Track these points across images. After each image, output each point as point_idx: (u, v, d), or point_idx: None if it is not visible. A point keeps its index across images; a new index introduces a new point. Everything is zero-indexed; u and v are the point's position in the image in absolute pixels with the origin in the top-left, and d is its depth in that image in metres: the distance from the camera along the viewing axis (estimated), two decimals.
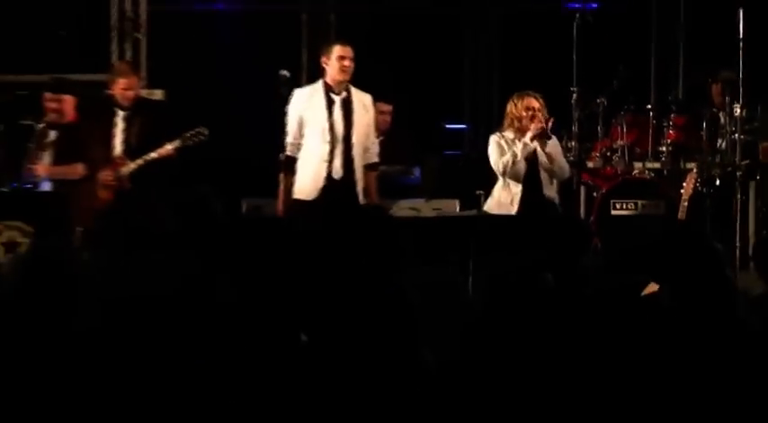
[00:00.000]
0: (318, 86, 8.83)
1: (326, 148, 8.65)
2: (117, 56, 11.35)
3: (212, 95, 9.74)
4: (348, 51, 8.81)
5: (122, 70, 9.66)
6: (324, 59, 8.82)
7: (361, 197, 8.70)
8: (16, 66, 10.83)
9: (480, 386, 3.79)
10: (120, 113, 9.27)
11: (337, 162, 8.66)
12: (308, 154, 8.74)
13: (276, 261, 5.87)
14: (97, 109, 9.63)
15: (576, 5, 10.22)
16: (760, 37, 9.32)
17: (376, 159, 8.97)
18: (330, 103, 8.72)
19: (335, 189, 8.61)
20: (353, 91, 8.90)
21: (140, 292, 4.43)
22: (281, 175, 8.86)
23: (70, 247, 7.84)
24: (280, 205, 8.82)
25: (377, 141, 9.08)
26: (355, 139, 8.75)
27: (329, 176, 8.64)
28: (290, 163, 8.81)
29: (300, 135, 8.78)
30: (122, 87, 9.33)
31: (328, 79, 8.80)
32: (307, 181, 8.72)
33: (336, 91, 8.77)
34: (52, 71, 10.42)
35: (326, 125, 8.69)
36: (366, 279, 4.75)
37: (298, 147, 8.78)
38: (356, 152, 8.75)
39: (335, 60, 8.73)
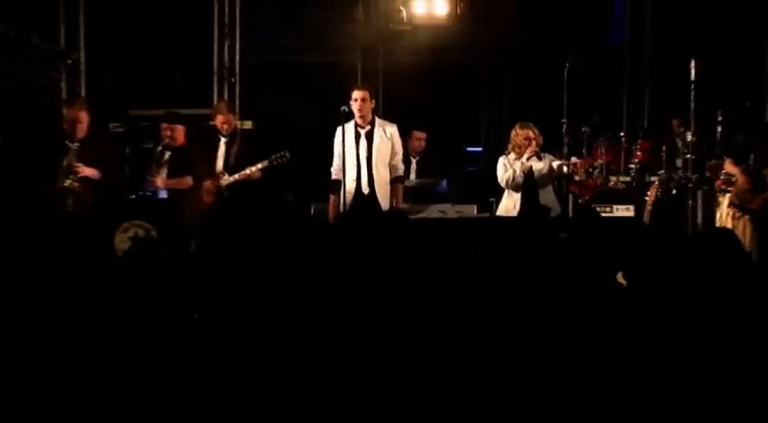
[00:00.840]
0: (351, 123, 8.80)
1: (354, 171, 8.69)
2: (217, 95, 11.41)
3: (290, 125, 9.74)
4: (358, 94, 8.78)
5: (222, 107, 9.77)
6: (350, 102, 8.77)
7: (385, 205, 8.67)
8: (141, 103, 10.86)
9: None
10: (222, 139, 9.37)
11: (363, 181, 8.71)
12: (345, 175, 8.73)
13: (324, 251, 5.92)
14: (203, 135, 9.72)
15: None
16: (707, 81, 9.28)
17: (400, 174, 8.97)
18: (357, 137, 8.76)
19: (361, 202, 8.61)
20: (378, 122, 8.88)
21: (230, 273, 4.52)
22: (330, 194, 8.90)
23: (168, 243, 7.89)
24: (330, 216, 8.83)
25: (401, 159, 8.99)
26: (377, 164, 8.76)
27: (357, 192, 8.70)
28: (335, 184, 8.82)
29: (340, 162, 8.76)
30: (222, 120, 9.44)
31: (356, 114, 8.78)
32: (345, 197, 8.72)
33: (362, 125, 8.79)
34: (168, 106, 10.42)
35: (354, 154, 8.72)
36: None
37: (340, 170, 8.76)
38: (378, 172, 8.77)
39: (352, 102, 8.72)
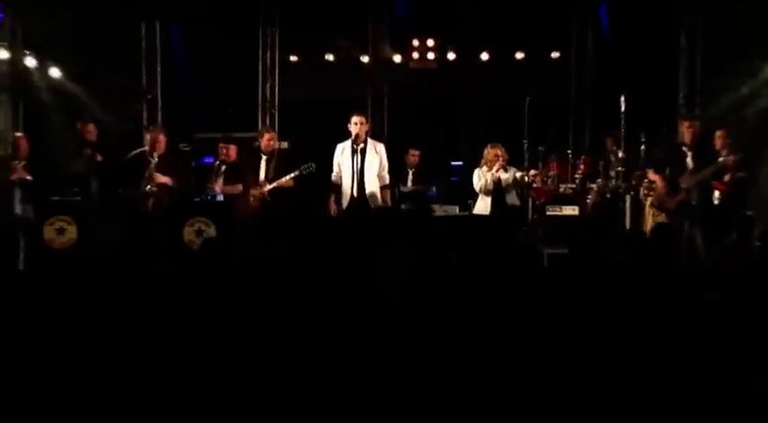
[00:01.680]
0: (348, 141, 8.75)
1: (349, 180, 8.65)
2: (261, 122, 11.42)
3: (316, 143, 9.72)
4: (357, 119, 8.71)
5: (265, 131, 9.73)
6: (349, 124, 8.74)
7: (372, 205, 8.63)
8: (203, 128, 10.88)
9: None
10: (263, 156, 9.35)
11: (356, 188, 8.64)
12: (342, 182, 8.72)
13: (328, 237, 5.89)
14: (250, 153, 9.68)
15: None
16: (633, 111, 9.29)
17: (387, 182, 8.88)
18: (353, 152, 8.67)
19: (355, 201, 8.61)
20: (370, 142, 8.82)
21: (265, 258, 4.52)
22: (330, 192, 8.90)
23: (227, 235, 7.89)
24: (330, 210, 8.84)
25: (387, 171, 8.89)
26: (367, 174, 8.69)
27: (352, 195, 8.63)
28: (335, 185, 8.83)
29: (340, 172, 8.77)
30: (265, 142, 9.43)
31: (353, 134, 8.74)
32: (341, 197, 8.74)
33: (357, 143, 8.70)
34: (223, 131, 10.51)
35: (350, 165, 8.68)
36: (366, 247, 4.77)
37: (338, 176, 8.76)
38: (368, 181, 8.70)
39: (352, 124, 8.68)
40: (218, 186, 9.68)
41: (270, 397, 3.05)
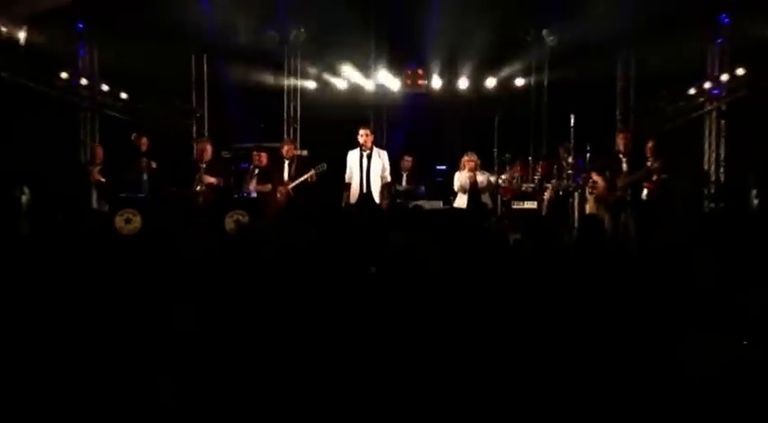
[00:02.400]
0: (357, 149, 8.77)
1: (358, 178, 8.68)
2: (285, 135, 11.33)
3: (329, 149, 9.71)
4: (363, 131, 8.79)
5: (288, 142, 9.74)
6: (357, 135, 8.78)
7: (377, 200, 8.68)
8: (240, 139, 10.84)
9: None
10: (286, 161, 9.37)
11: (364, 185, 8.67)
12: (353, 181, 8.75)
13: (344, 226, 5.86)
14: (277, 159, 9.63)
15: None
16: (580, 126, 9.30)
17: (388, 181, 8.93)
18: (361, 157, 8.70)
19: (364, 197, 8.62)
20: (375, 150, 8.85)
21: (292, 243, 4.48)
22: (344, 190, 8.90)
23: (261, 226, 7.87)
24: (344, 203, 8.81)
25: (388, 173, 8.93)
26: (373, 174, 8.72)
27: (361, 191, 8.65)
28: (347, 185, 8.85)
29: (351, 172, 8.80)
30: (287, 150, 9.43)
31: (361, 143, 8.78)
32: (353, 193, 8.74)
33: (364, 150, 8.73)
34: (256, 141, 10.50)
35: (359, 168, 8.70)
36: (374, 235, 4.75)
37: (350, 176, 8.79)
38: (374, 180, 8.73)
39: (360, 135, 8.73)
40: (252, 186, 9.65)
41: (302, 358, 2.88)
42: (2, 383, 2.70)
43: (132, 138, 9.64)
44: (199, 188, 9.18)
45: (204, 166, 9.27)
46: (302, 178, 9.17)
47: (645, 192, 8.64)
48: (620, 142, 8.76)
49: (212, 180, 9.26)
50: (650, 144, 8.75)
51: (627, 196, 8.53)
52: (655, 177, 8.52)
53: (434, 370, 2.78)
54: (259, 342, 2.99)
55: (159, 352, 2.88)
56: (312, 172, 9.14)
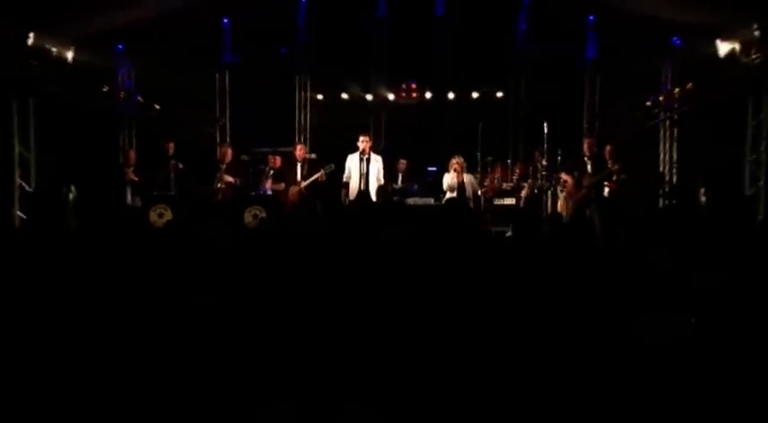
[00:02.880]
0: (357, 153, 8.80)
1: (357, 179, 8.69)
2: (297, 140, 11.29)
3: (335, 152, 9.68)
4: (363, 138, 8.83)
5: (299, 147, 9.73)
6: (358, 141, 8.80)
7: (373, 199, 8.61)
8: (257, 144, 10.78)
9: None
10: (298, 163, 9.36)
11: (362, 185, 8.67)
12: (352, 181, 8.73)
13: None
14: (290, 162, 9.61)
15: None
16: (553, 133, 9.31)
17: (382, 182, 8.91)
18: (360, 161, 8.73)
19: (362, 195, 8.55)
20: (372, 155, 8.85)
21: (303, 229, 4.48)
22: (343, 188, 8.91)
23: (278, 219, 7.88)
24: (343, 199, 8.83)
25: (382, 175, 8.93)
26: (370, 176, 8.73)
27: (359, 190, 8.64)
28: (346, 184, 8.85)
29: (350, 173, 8.78)
30: (300, 153, 9.43)
31: (360, 148, 8.77)
32: (352, 191, 8.72)
33: (363, 154, 8.75)
34: (272, 146, 10.47)
35: (357, 170, 8.72)
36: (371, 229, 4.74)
37: (349, 177, 8.78)
38: (371, 181, 8.73)
39: (360, 142, 8.76)
40: (268, 185, 9.66)
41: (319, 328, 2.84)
42: (53, 356, 2.64)
43: (162, 144, 9.67)
44: (219, 186, 9.20)
45: (224, 167, 9.30)
46: (313, 178, 9.16)
47: (606, 190, 8.67)
48: (586, 147, 8.79)
49: (231, 179, 9.30)
50: (608, 148, 8.77)
51: (592, 194, 8.54)
52: (615, 177, 8.54)
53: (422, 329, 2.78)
54: (273, 312, 2.99)
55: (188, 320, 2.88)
56: (322, 172, 9.13)
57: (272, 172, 9.72)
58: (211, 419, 2.34)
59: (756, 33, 8.15)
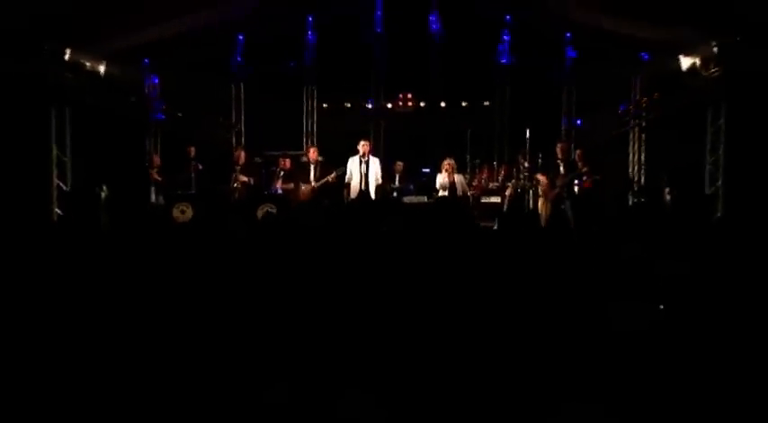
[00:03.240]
0: (357, 156, 8.75)
1: (358, 180, 8.62)
2: (305, 145, 11.25)
3: (341, 156, 9.62)
4: (363, 142, 8.80)
5: (312, 150, 9.68)
6: (359, 145, 8.76)
7: (372, 197, 8.60)
8: (269, 147, 10.72)
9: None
10: (311, 166, 9.33)
11: (363, 185, 8.62)
12: (353, 182, 8.68)
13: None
14: (300, 164, 9.69)
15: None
16: (535, 139, 9.29)
17: (380, 182, 8.86)
18: (361, 163, 8.67)
19: (363, 194, 8.56)
20: (371, 158, 8.81)
21: (309, 224, 4.45)
22: (345, 188, 8.86)
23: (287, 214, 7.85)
24: (345, 198, 8.80)
25: (380, 175, 8.87)
26: (370, 176, 8.68)
27: (360, 190, 8.61)
28: (347, 184, 8.81)
29: (351, 174, 8.72)
30: (311, 155, 9.39)
31: (360, 152, 8.73)
32: (353, 191, 8.68)
33: (363, 157, 8.71)
34: (283, 149, 10.46)
35: (358, 172, 8.65)
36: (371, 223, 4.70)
37: (350, 178, 8.72)
38: (370, 181, 8.67)
39: (360, 146, 8.70)
40: (279, 184, 9.62)
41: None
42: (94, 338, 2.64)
43: (186, 148, 9.66)
44: (235, 185, 9.19)
45: (239, 168, 9.29)
46: (325, 179, 9.14)
47: (576, 189, 8.69)
48: (559, 150, 8.79)
49: (245, 179, 9.29)
50: (578, 152, 8.78)
51: (564, 192, 8.55)
52: (585, 178, 8.55)
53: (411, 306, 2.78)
54: (278, 300, 2.96)
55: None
56: (333, 174, 9.10)
57: (282, 173, 9.67)
58: (219, 399, 2.30)
59: (715, 50, 8.19)
